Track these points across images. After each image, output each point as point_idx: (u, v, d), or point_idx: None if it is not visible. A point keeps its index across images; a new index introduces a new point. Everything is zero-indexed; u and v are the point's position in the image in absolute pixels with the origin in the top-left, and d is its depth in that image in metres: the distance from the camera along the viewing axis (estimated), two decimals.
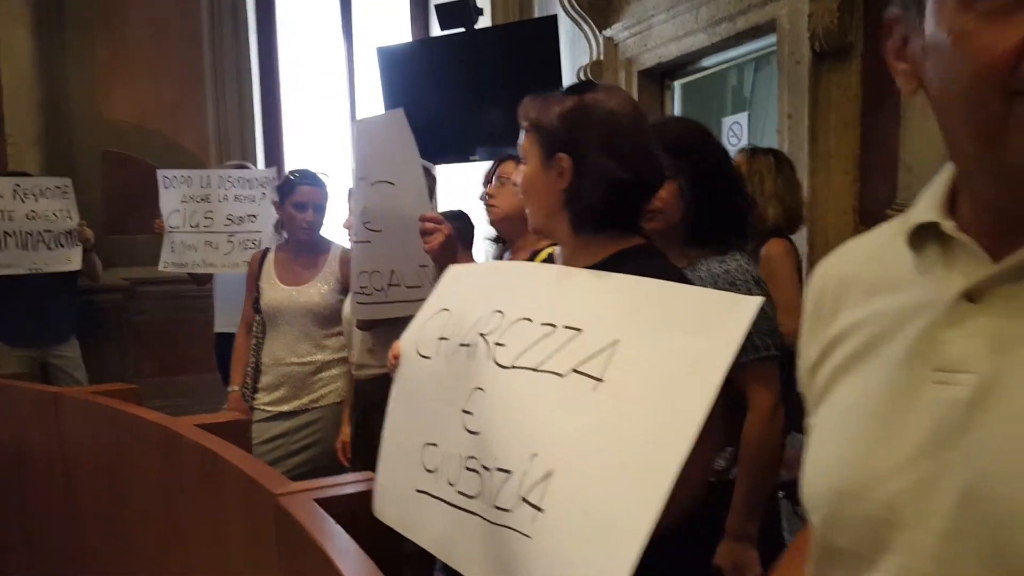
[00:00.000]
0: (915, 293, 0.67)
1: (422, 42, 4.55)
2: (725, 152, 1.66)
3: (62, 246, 3.66)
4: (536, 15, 4.36)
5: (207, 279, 3.71)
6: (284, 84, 4.95)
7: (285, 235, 2.72)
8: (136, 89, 4.44)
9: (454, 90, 4.04)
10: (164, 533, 2.40)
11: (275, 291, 2.63)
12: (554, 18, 3.79)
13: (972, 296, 0.62)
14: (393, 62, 4.20)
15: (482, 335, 1.33)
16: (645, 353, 1.11)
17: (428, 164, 3.48)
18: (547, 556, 1.05)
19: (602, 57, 3.97)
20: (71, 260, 3.67)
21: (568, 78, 4.23)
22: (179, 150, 4.53)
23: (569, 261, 1.41)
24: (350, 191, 2.30)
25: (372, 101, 4.43)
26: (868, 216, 2.75)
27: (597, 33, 3.95)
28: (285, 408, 2.58)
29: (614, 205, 1.34)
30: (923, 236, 0.67)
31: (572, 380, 1.16)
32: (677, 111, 3.88)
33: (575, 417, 1.12)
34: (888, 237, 0.72)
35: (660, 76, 3.84)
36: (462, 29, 4.04)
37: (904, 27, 0.64)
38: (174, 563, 2.37)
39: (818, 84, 2.84)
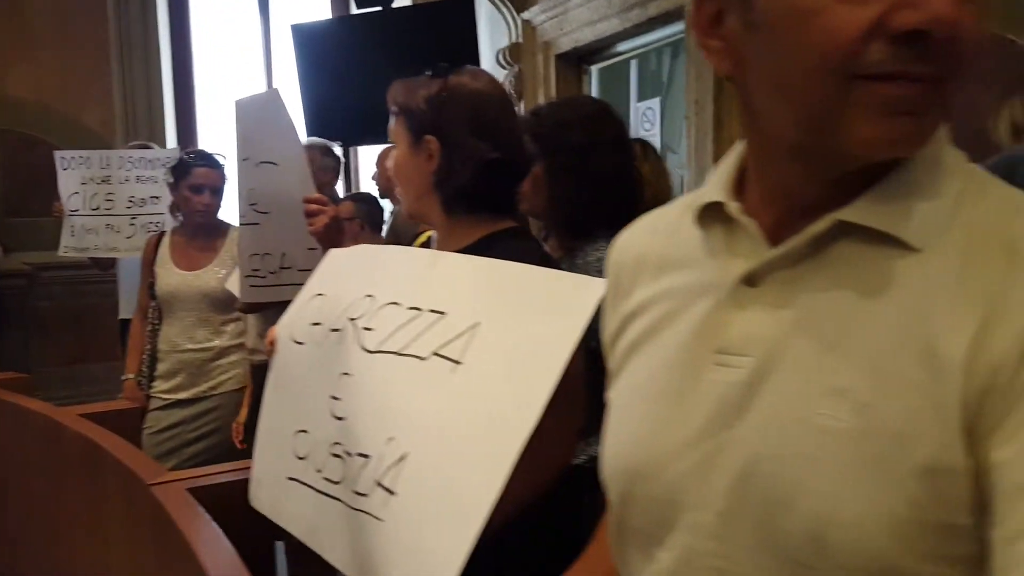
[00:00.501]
0: (701, 273, 0.67)
1: (338, 20, 4.45)
2: (609, 142, 1.59)
3: None
4: None
5: (111, 264, 3.58)
6: (198, 62, 4.78)
7: (181, 218, 2.63)
8: (37, 66, 4.22)
9: (371, 70, 3.94)
10: (47, 522, 2.33)
11: (171, 276, 2.55)
12: (470, 1, 3.75)
13: (751, 280, 0.63)
14: (308, 40, 4.10)
15: (351, 320, 1.32)
16: (502, 335, 1.12)
17: (331, 144, 3.42)
18: (396, 539, 1.05)
19: (520, 40, 3.96)
20: None
21: (488, 60, 4.21)
22: (83, 129, 4.33)
23: (442, 244, 1.40)
24: None
25: (289, 79, 4.32)
26: None
27: (515, 16, 3.93)
28: (183, 396, 2.51)
29: (483, 187, 1.33)
30: (710, 215, 0.67)
31: (432, 363, 1.16)
32: (594, 95, 3.91)
33: (432, 400, 1.12)
34: (680, 213, 0.72)
35: (577, 60, 3.85)
36: (379, 8, 3.97)
37: (718, 1, 0.61)
38: (59, 552, 2.30)
39: None
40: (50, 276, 4.07)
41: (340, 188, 3.65)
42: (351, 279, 1.41)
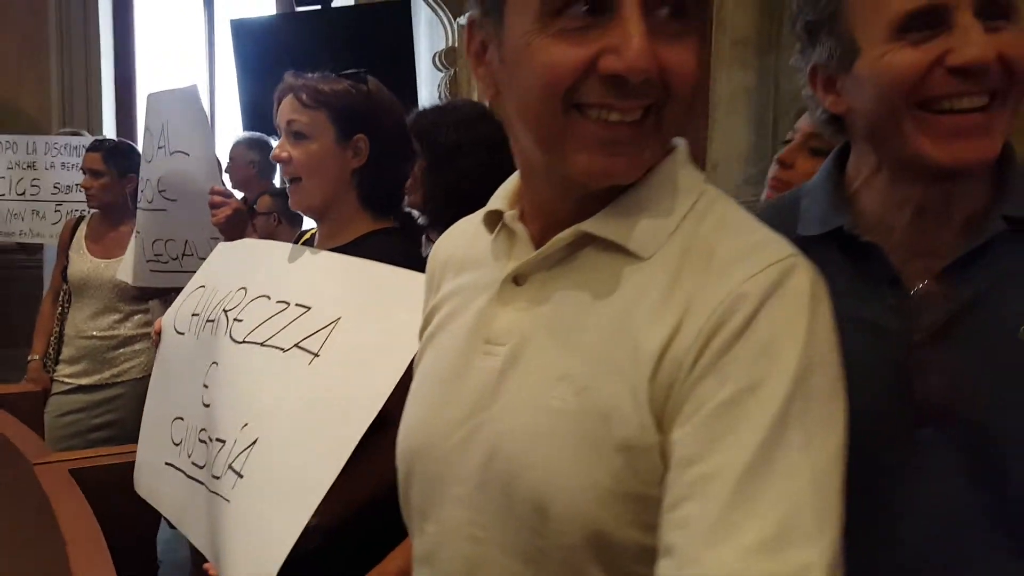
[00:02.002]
0: (485, 272, 0.76)
1: (278, 16, 4.47)
2: (482, 143, 1.66)
3: None
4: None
5: (37, 249, 3.56)
6: (140, 52, 4.77)
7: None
8: None
9: (308, 67, 3.99)
10: None
11: (83, 262, 2.57)
12: (406, 2, 3.82)
13: (518, 280, 0.71)
14: (247, 35, 4.12)
15: (225, 311, 1.38)
16: (359, 330, 1.20)
17: (265, 139, 3.44)
18: (239, 519, 1.12)
19: (456, 44, 4.03)
20: None
21: (425, 62, 4.28)
22: (18, 114, 4.28)
23: (327, 240, 1.46)
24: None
25: (231, 72, 4.32)
26: None
27: (451, 20, 4.00)
28: (85, 381, 2.52)
29: (397, 185, 1.43)
30: (496, 222, 0.76)
31: (293, 355, 1.23)
32: None
33: (288, 389, 1.19)
34: (480, 219, 0.80)
35: None
36: (318, 7, 4.01)
37: (483, 33, 0.69)
38: None
39: None
40: None
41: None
42: (230, 272, 1.47)
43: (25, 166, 3.38)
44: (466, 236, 0.83)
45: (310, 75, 1.45)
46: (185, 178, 1.90)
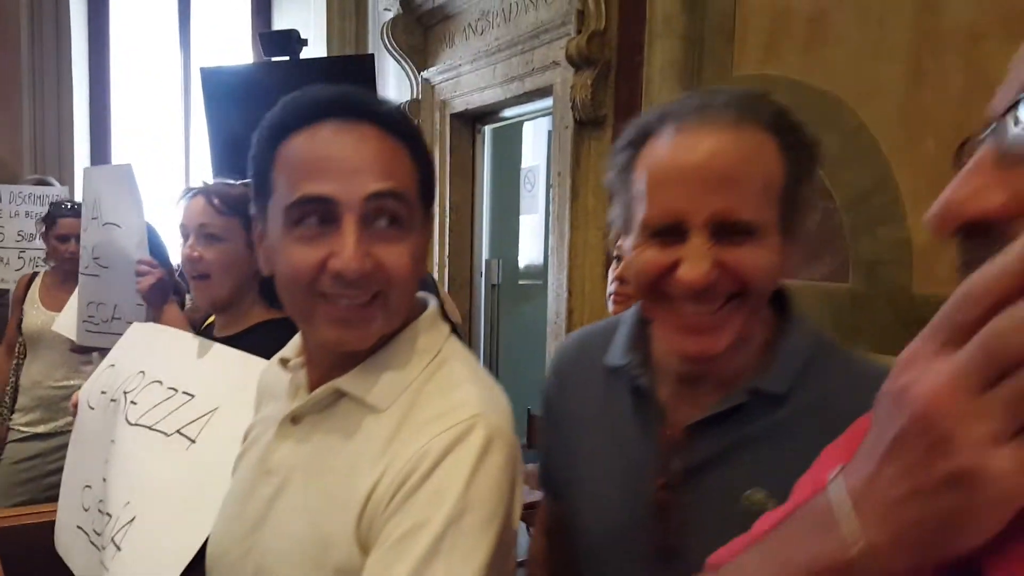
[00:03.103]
0: (278, 407, 0.90)
1: (248, 66, 4.63)
2: None
3: None
4: (369, 50, 4.54)
5: (3, 292, 3.68)
6: (115, 98, 4.92)
7: (52, 263, 2.77)
8: None
9: None
10: None
11: (38, 315, 2.70)
12: (371, 57, 3.97)
13: (295, 419, 0.85)
14: (217, 83, 4.27)
15: (125, 392, 1.50)
16: (233, 420, 1.31)
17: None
18: None
19: (420, 97, 4.19)
20: None
21: None
22: None
23: (224, 328, 1.59)
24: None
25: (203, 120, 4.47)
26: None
27: (416, 73, 4.17)
28: (40, 429, 2.65)
29: None
30: (286, 365, 0.90)
31: (174, 439, 1.35)
32: (487, 155, 4.15)
33: (166, 472, 1.32)
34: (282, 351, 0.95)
35: (472, 120, 4.09)
36: (287, 57, 4.17)
37: (260, 224, 0.86)
38: None
39: (579, 148, 3.15)
40: None
41: None
42: (135, 355, 1.60)
43: None
44: (273, 368, 0.97)
45: (218, 182, 1.59)
46: (116, 248, 2.03)
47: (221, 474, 1.25)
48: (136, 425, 1.41)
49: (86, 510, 1.53)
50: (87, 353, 2.62)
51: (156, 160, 5.17)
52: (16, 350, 2.77)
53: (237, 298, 1.56)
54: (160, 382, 1.46)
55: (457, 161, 4.13)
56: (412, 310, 0.85)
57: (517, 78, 3.51)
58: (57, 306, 2.70)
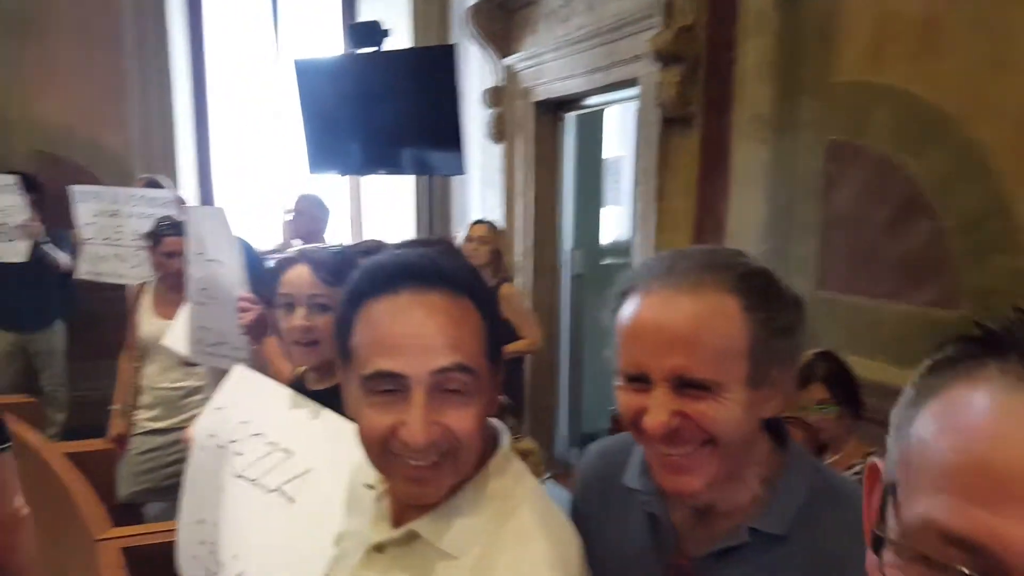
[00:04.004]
0: (363, 526, 0.97)
1: (338, 57, 4.71)
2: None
3: (14, 239, 3.92)
4: (451, 39, 4.53)
5: (119, 288, 3.95)
6: (213, 92, 5.15)
7: (159, 275, 2.95)
8: (63, 92, 4.60)
9: (366, 105, 4.24)
10: (39, 545, 2.70)
11: (150, 324, 2.89)
12: (453, 47, 3.96)
13: (379, 547, 0.91)
14: (310, 75, 4.38)
15: (231, 442, 1.61)
16: (326, 483, 1.39)
17: (319, 197, 3.72)
18: None
19: (503, 83, 4.16)
20: (20, 253, 3.93)
21: (475, 100, 4.43)
22: (103, 151, 4.71)
23: (318, 382, 1.68)
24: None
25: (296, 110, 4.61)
26: None
27: (498, 60, 4.13)
28: (159, 425, 2.89)
29: None
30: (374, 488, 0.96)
31: (275, 497, 1.44)
32: (570, 143, 4.09)
33: (269, 529, 1.41)
34: (368, 464, 1.00)
35: (554, 107, 4.04)
36: (374, 48, 4.21)
37: (343, 372, 0.91)
38: None
39: (666, 146, 3.06)
40: (83, 282, 4.41)
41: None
42: (240, 403, 1.69)
43: (109, 214, 3.76)
44: (361, 474, 1.03)
45: (319, 249, 1.66)
46: (218, 283, 2.16)
47: (317, 541, 1.34)
48: (241, 477, 1.51)
49: (202, 543, 1.66)
50: (195, 365, 2.82)
51: (252, 150, 5.38)
52: (134, 353, 2.99)
53: (334, 356, 1.65)
54: (261, 435, 1.55)
55: (540, 150, 4.10)
56: (485, 447, 0.89)
57: (600, 69, 3.43)
58: (167, 314, 2.88)
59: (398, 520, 0.90)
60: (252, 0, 5.27)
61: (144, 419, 2.93)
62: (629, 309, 0.87)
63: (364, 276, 0.87)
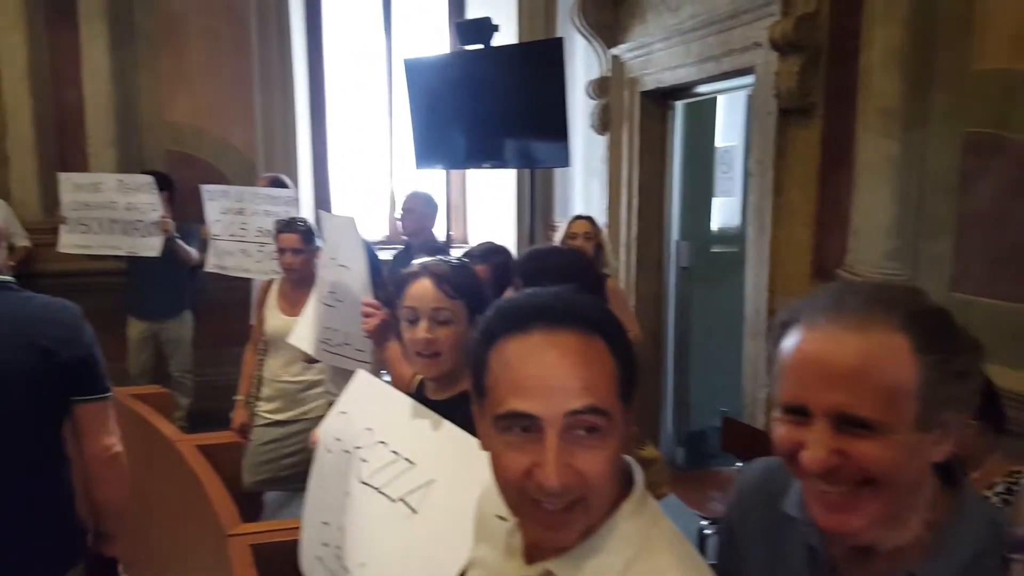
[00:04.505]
0: (495, 556, 0.99)
1: (445, 55, 4.77)
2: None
3: (149, 234, 4.25)
4: (557, 33, 4.50)
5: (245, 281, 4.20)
6: (330, 92, 5.38)
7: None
8: (193, 94, 4.91)
9: (474, 100, 4.29)
10: (155, 537, 2.91)
11: (275, 319, 3.06)
12: (560, 40, 3.93)
13: None
14: (418, 73, 4.47)
15: (356, 448, 1.69)
16: (448, 496, 1.44)
17: (429, 195, 3.81)
18: None
19: (609, 74, 4.10)
20: (155, 247, 4.25)
21: (580, 91, 4.39)
22: (230, 149, 5.00)
23: (437, 392, 1.73)
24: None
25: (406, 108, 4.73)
26: (822, 271, 2.88)
27: (605, 51, 4.07)
28: (280, 417, 3.06)
29: None
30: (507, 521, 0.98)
31: (398, 507, 1.51)
32: (678, 132, 3.99)
33: (393, 538, 1.48)
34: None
35: (662, 96, 3.95)
36: (481, 46, 4.24)
37: (477, 407, 0.92)
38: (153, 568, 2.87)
39: (784, 137, 2.94)
40: (205, 273, 4.72)
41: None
42: (365, 408, 1.77)
43: (236, 212, 4.00)
44: (493, 498, 1.05)
45: (443, 262, 1.70)
46: (346, 286, 2.27)
47: (439, 555, 1.39)
48: (366, 484, 1.58)
49: (325, 545, 1.75)
50: (316, 362, 2.96)
51: (364, 147, 5.57)
52: (260, 346, 3.18)
53: (456, 368, 1.69)
54: (385, 443, 1.62)
55: (646, 139, 4.03)
56: (619, 486, 0.89)
57: (713, 58, 3.32)
58: (291, 311, 3.05)
59: (531, 556, 0.92)
60: (366, 3, 5.43)
61: (264, 411, 3.11)
62: (792, 341, 0.86)
63: (497, 315, 0.88)
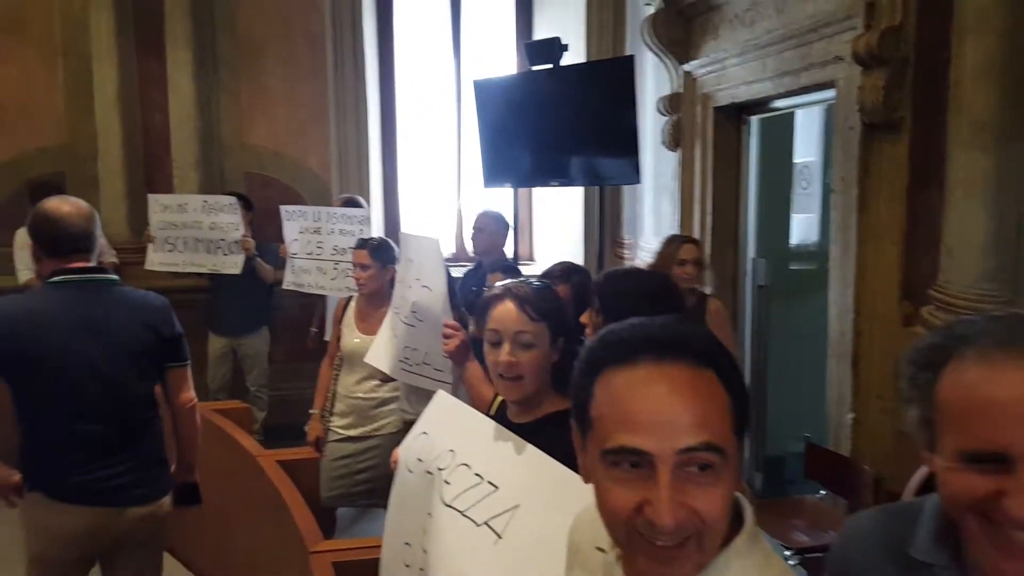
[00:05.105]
0: None
1: (514, 76, 4.81)
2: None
3: (231, 253, 4.40)
4: (627, 51, 4.49)
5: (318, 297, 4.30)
6: (401, 115, 5.51)
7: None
8: (272, 119, 5.09)
9: (542, 119, 4.30)
10: (237, 548, 2.97)
11: (352, 336, 3.11)
12: (631, 58, 3.92)
13: None
14: (488, 94, 4.52)
15: (439, 469, 1.69)
16: (533, 522, 1.43)
17: (500, 214, 3.83)
18: None
19: (681, 90, 4.06)
20: (236, 265, 4.41)
21: (650, 107, 4.35)
22: (306, 171, 5.15)
23: (519, 415, 1.72)
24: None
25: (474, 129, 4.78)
26: (912, 291, 2.76)
27: (676, 67, 4.03)
28: (352, 433, 3.10)
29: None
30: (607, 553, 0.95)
31: (483, 531, 1.50)
32: (753, 148, 3.91)
33: (479, 563, 1.47)
34: (601, 525, 0.99)
35: (736, 111, 3.88)
36: (550, 65, 4.26)
37: (580, 438, 0.90)
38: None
39: (869, 153, 2.85)
40: (281, 291, 4.85)
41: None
42: (445, 430, 1.77)
43: (312, 231, 4.11)
44: (591, 529, 1.02)
45: (525, 284, 1.70)
46: (427, 307, 2.29)
47: (526, 573, 1.38)
48: (450, 507, 1.58)
49: (407, 566, 1.75)
50: (392, 380, 3.00)
51: (434, 167, 5.66)
52: (336, 361, 3.24)
53: (542, 389, 1.68)
54: (467, 465, 1.61)
55: (720, 155, 3.96)
56: (730, 523, 0.86)
57: (791, 73, 3.25)
58: (367, 329, 3.09)
59: None
60: (436, 27, 5.53)
61: (337, 426, 3.15)
62: (967, 379, 0.80)
63: (603, 345, 0.86)
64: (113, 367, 2.16)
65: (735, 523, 0.87)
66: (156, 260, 4.55)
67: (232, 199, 4.43)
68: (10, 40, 4.86)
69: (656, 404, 0.79)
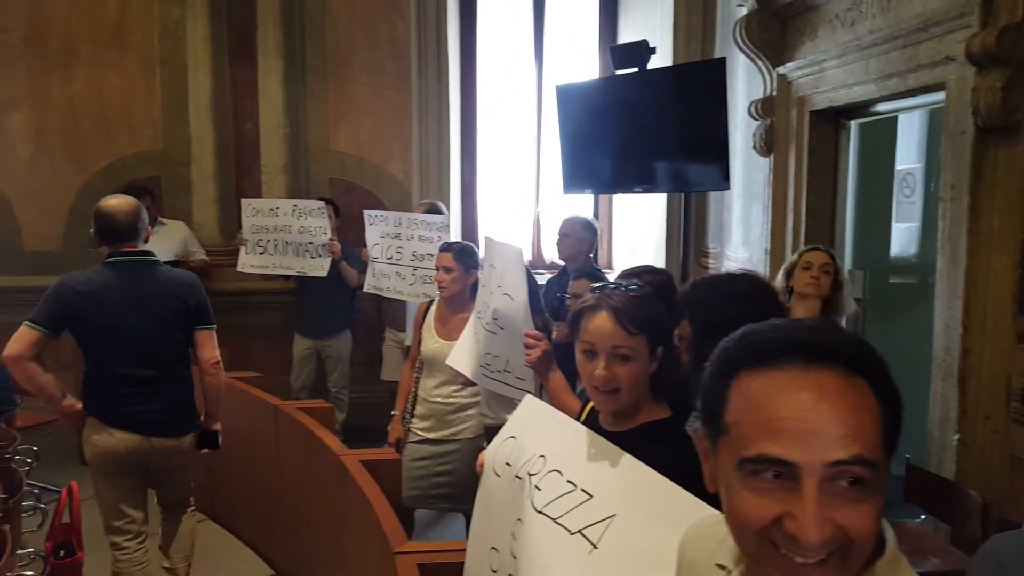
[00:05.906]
0: None
1: (598, 80, 4.75)
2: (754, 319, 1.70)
3: (319, 256, 4.50)
4: (716, 53, 4.37)
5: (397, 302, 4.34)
6: (482, 122, 5.52)
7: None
8: (356, 126, 5.19)
9: (626, 125, 4.23)
10: (325, 549, 3.00)
11: (432, 342, 3.11)
12: (722, 60, 3.81)
13: None
14: (571, 99, 4.47)
15: (529, 474, 1.64)
16: (630, 532, 1.36)
17: (587, 219, 3.77)
18: None
19: (774, 93, 3.91)
20: (323, 268, 4.51)
21: (741, 111, 4.22)
22: (388, 177, 5.23)
23: (614, 423, 1.66)
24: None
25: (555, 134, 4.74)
26: None
27: (771, 70, 3.89)
28: (432, 436, 3.10)
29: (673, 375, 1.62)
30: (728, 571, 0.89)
31: (577, 539, 1.44)
32: (852, 153, 3.73)
33: (572, 573, 1.41)
34: (719, 541, 0.93)
35: (835, 115, 3.71)
36: (636, 69, 4.18)
37: (708, 443, 0.84)
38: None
39: (982, 159, 2.66)
40: (362, 295, 4.92)
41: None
42: (534, 434, 1.72)
43: (393, 236, 4.15)
44: (708, 545, 0.96)
45: (622, 293, 1.63)
46: (509, 315, 2.26)
47: None
48: (541, 514, 1.53)
49: (494, 572, 1.71)
50: (472, 385, 2.98)
51: (513, 173, 5.65)
52: (416, 365, 3.24)
53: (639, 400, 1.62)
54: (559, 472, 1.56)
55: (815, 161, 3.79)
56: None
57: (897, 74, 3.08)
58: (447, 334, 3.09)
59: None
60: (519, 32, 5.54)
61: (417, 428, 3.16)
62: None
63: (741, 346, 0.79)
64: (151, 327, 2.77)
65: (877, 546, 0.80)
66: (247, 262, 4.68)
67: (321, 203, 4.53)
68: (113, 51, 5.11)
69: (803, 412, 0.72)
